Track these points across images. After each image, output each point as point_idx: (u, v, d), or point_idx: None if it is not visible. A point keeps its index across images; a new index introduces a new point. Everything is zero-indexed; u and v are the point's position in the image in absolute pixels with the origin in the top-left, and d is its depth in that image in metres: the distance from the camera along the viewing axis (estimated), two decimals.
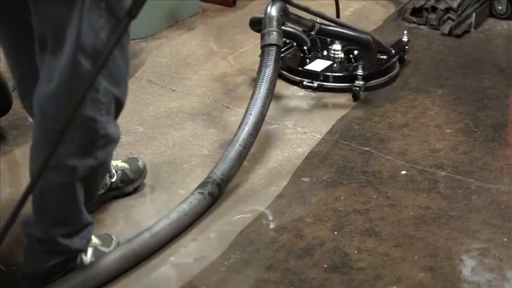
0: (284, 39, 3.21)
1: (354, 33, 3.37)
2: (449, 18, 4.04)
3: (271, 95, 2.82)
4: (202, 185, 2.52)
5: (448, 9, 4.06)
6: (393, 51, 3.54)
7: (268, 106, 2.80)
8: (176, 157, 2.84)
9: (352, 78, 3.33)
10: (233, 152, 2.62)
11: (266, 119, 2.83)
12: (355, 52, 3.49)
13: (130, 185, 2.61)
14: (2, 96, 2.90)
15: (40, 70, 1.98)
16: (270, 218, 2.50)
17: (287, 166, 2.79)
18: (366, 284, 2.19)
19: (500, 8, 4.20)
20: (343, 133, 3.03)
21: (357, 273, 2.23)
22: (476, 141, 2.98)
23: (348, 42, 3.45)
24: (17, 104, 3.12)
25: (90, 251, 2.22)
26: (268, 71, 2.83)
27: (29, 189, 1.77)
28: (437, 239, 2.39)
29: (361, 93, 3.30)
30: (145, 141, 2.96)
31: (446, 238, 2.39)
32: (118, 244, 2.30)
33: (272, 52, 2.88)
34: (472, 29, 4.08)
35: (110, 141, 2.04)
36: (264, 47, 2.91)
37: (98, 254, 2.23)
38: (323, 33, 3.31)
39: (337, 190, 2.65)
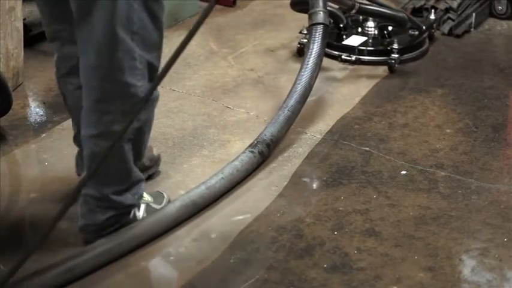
0: None
1: (390, 12, 3.65)
2: (449, 18, 4.04)
3: (319, 68, 3.04)
4: (253, 144, 2.70)
5: (448, 9, 4.06)
6: (424, 27, 3.75)
7: (316, 78, 3.01)
8: (176, 157, 2.84)
9: (387, 52, 3.62)
10: (282, 116, 2.82)
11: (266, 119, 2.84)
12: (389, 28, 3.76)
13: (145, 172, 2.63)
14: (2, 96, 2.90)
15: (78, 41, 2.14)
16: (270, 218, 2.50)
17: (287, 166, 2.79)
18: (366, 284, 2.19)
19: (500, 8, 4.20)
20: (343, 133, 3.02)
21: (357, 273, 2.23)
22: (476, 141, 2.98)
23: (385, 19, 3.72)
24: (16, 104, 3.13)
25: (142, 207, 2.38)
26: (316, 47, 3.05)
27: (101, 161, 1.95)
28: (437, 239, 2.39)
29: (396, 65, 3.56)
30: None
31: (446, 238, 2.39)
32: (169, 201, 2.46)
33: (319, 30, 3.11)
34: (472, 29, 4.08)
35: (150, 103, 2.22)
36: (312, 25, 3.13)
37: (150, 210, 2.39)
38: (362, 11, 3.60)
39: (337, 190, 2.65)
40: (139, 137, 2.26)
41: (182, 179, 2.71)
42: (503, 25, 4.16)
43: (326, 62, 3.65)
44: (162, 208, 2.42)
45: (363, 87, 3.42)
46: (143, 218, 2.37)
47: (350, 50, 3.68)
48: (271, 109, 3.14)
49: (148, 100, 2.17)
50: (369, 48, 3.69)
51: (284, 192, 2.64)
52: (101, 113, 2.16)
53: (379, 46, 3.71)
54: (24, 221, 2.51)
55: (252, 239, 2.39)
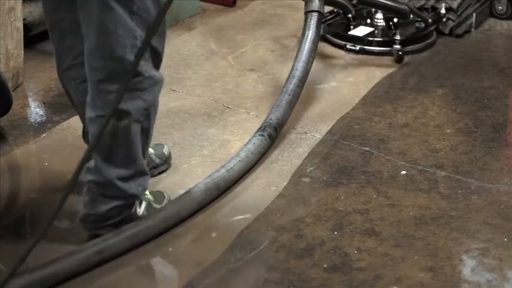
0: (331, 7, 3.81)
1: (392, 3, 3.73)
2: (449, 18, 4.04)
3: (314, 53, 3.14)
4: (262, 129, 2.81)
5: (448, 10, 4.06)
6: (430, 20, 3.86)
7: (312, 63, 3.12)
8: (176, 157, 2.84)
9: (390, 43, 3.70)
10: (284, 100, 2.93)
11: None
12: (395, 20, 3.81)
13: (154, 169, 2.65)
14: (2, 96, 2.90)
15: (82, 27, 2.19)
16: (270, 218, 2.50)
17: (287, 166, 2.79)
18: (366, 284, 2.19)
19: (500, 8, 4.20)
20: (343, 133, 3.02)
21: (357, 273, 2.23)
22: (476, 141, 2.98)
23: (386, 10, 3.80)
24: (16, 104, 3.13)
25: (144, 204, 2.38)
26: (311, 33, 3.16)
27: (97, 140, 2.02)
28: (437, 239, 2.39)
29: (400, 54, 3.62)
30: None
31: (446, 238, 2.39)
32: (169, 201, 2.47)
33: (314, 17, 3.22)
34: (473, 29, 4.08)
35: (155, 83, 2.24)
36: (307, 12, 3.23)
37: (151, 210, 2.39)
38: (363, 1, 3.66)
39: (337, 190, 2.65)
40: (145, 120, 2.25)
41: (182, 178, 2.71)
42: (503, 25, 4.16)
43: (328, 59, 3.70)
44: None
45: (363, 87, 3.42)
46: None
47: (355, 40, 3.75)
48: (270, 109, 3.14)
49: (141, 74, 2.18)
50: (373, 38, 3.76)
51: (284, 192, 2.64)
52: (107, 92, 2.17)
53: (384, 37, 3.78)
54: (24, 221, 2.51)
55: (252, 239, 2.39)
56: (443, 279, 2.21)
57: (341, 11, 3.88)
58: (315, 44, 3.16)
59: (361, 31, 3.83)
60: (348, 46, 3.75)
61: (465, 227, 2.45)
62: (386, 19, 3.84)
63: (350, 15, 3.85)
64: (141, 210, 2.38)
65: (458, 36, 3.98)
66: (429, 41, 3.85)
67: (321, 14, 3.25)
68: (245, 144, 2.74)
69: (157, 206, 2.43)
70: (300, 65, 3.06)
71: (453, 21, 4.03)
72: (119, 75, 2.14)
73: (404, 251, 2.33)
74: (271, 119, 2.86)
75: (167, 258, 2.32)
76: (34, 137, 2.97)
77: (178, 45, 3.84)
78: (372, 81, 3.48)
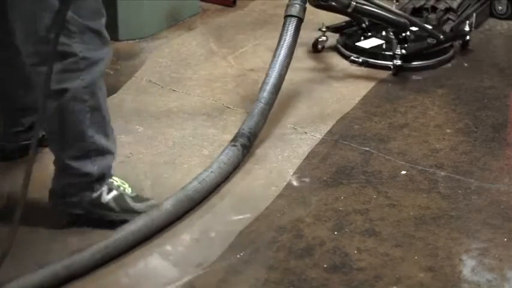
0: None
1: (388, 15, 3.55)
2: (449, 18, 4.04)
3: (289, 59, 3.09)
4: (234, 139, 2.78)
5: (448, 10, 4.06)
6: (441, 36, 3.66)
7: (287, 68, 3.07)
8: (176, 157, 2.84)
9: (392, 57, 3.56)
10: (256, 109, 2.90)
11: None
12: (404, 34, 3.65)
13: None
14: None
15: (12, 22, 2.24)
16: (270, 218, 2.50)
17: (287, 166, 2.79)
18: (366, 284, 2.19)
19: (500, 8, 4.20)
20: (343, 133, 3.02)
21: (357, 273, 2.23)
22: (476, 141, 2.98)
23: (383, 22, 3.64)
24: None
25: (113, 193, 2.39)
26: (288, 38, 3.11)
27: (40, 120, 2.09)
28: (437, 239, 2.39)
29: (396, 69, 3.52)
30: (145, 141, 2.96)
31: (446, 238, 2.40)
32: (152, 206, 2.42)
33: (293, 22, 3.14)
34: (473, 29, 4.08)
35: (93, 63, 2.26)
36: (286, 17, 3.17)
37: (121, 202, 2.39)
38: (358, 11, 3.50)
39: (337, 190, 2.65)
40: (90, 99, 2.28)
41: (182, 178, 2.70)
42: (503, 25, 4.16)
43: (328, 61, 3.70)
44: (138, 208, 2.41)
45: (363, 87, 3.42)
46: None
47: (360, 51, 3.68)
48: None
49: (76, 54, 2.22)
50: (377, 52, 3.67)
51: (284, 192, 2.64)
52: (44, 75, 2.18)
53: (388, 51, 3.65)
54: (24, 221, 2.51)
55: (252, 239, 2.39)
56: (443, 279, 2.21)
57: (354, 22, 3.81)
58: (290, 49, 3.09)
59: (368, 43, 3.74)
60: (352, 57, 3.67)
61: (465, 227, 2.45)
62: (396, 32, 3.71)
63: (363, 25, 3.77)
64: (107, 197, 2.38)
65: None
66: (441, 58, 3.68)
67: (300, 19, 3.15)
68: (218, 155, 2.70)
69: (131, 203, 2.41)
70: (274, 72, 3.02)
71: (453, 21, 4.03)
72: (53, 58, 2.18)
73: (404, 251, 2.33)
74: (243, 129, 2.82)
75: (167, 258, 2.32)
76: None
77: (178, 45, 3.84)
78: (372, 81, 3.48)
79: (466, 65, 3.68)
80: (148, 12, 3.91)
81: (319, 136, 3.00)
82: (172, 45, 3.83)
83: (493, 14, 4.23)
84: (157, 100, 3.29)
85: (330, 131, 3.04)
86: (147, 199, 2.48)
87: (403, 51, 3.55)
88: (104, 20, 2.30)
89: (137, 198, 2.44)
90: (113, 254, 2.24)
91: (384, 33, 3.76)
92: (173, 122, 3.11)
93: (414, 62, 3.61)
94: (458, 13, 4.05)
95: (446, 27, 4.00)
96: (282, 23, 3.18)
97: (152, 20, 3.94)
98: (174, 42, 3.88)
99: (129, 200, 2.41)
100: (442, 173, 2.76)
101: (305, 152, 2.89)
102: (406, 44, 3.64)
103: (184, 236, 2.40)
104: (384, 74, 3.54)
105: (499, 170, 2.78)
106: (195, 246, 2.37)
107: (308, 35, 3.73)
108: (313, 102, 3.29)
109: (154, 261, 2.30)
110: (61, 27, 2.11)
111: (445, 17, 4.06)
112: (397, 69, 3.53)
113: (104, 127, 2.36)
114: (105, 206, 2.38)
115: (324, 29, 3.75)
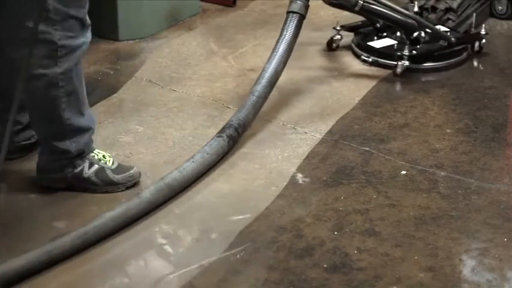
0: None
1: (396, 15, 3.54)
2: (449, 18, 4.04)
3: (288, 55, 3.11)
4: (221, 130, 2.82)
5: (448, 10, 4.05)
6: (453, 39, 3.64)
7: (285, 64, 3.10)
8: (176, 157, 2.84)
9: (399, 57, 3.53)
10: (248, 102, 2.94)
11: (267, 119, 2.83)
12: (415, 34, 3.61)
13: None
14: None
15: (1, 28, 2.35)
16: (270, 218, 2.50)
17: (287, 166, 2.79)
18: (366, 284, 2.19)
19: (500, 8, 4.20)
20: (343, 133, 3.02)
21: (357, 273, 2.23)
22: (476, 141, 2.98)
23: (390, 23, 3.63)
24: None
25: (94, 168, 2.54)
26: (288, 34, 3.13)
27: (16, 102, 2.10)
28: (437, 239, 2.39)
29: (399, 71, 3.47)
30: (145, 141, 2.96)
31: (446, 238, 2.40)
32: (130, 176, 2.59)
33: (294, 18, 3.17)
34: (473, 29, 4.08)
35: (71, 51, 2.37)
36: (288, 13, 3.19)
37: (102, 175, 2.55)
38: (365, 11, 3.49)
39: (337, 190, 2.65)
40: (70, 85, 2.40)
41: None
42: (503, 25, 4.15)
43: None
44: (117, 179, 2.56)
45: (363, 87, 3.42)
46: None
47: (370, 51, 3.66)
48: (270, 109, 3.14)
49: (55, 43, 2.32)
50: (388, 52, 3.63)
51: (284, 192, 2.64)
52: (25, 59, 2.25)
53: (398, 52, 3.60)
54: (24, 221, 2.51)
55: (252, 239, 2.39)
56: (443, 279, 2.21)
57: (368, 21, 3.79)
58: (290, 46, 3.11)
59: (380, 43, 3.71)
60: (362, 57, 3.66)
61: (465, 227, 2.45)
62: (407, 33, 3.67)
63: (378, 26, 3.74)
64: (88, 172, 2.53)
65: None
66: (452, 60, 3.64)
67: (301, 16, 3.16)
68: (202, 146, 2.75)
69: (112, 175, 2.56)
70: (271, 67, 3.04)
71: (453, 21, 4.02)
72: (36, 43, 2.25)
73: (404, 251, 2.33)
74: (232, 120, 2.87)
75: (167, 258, 2.32)
76: None
77: (178, 45, 3.84)
78: (372, 81, 3.48)
79: (466, 65, 3.68)
80: (148, 12, 3.90)
81: (319, 136, 3.00)
82: (172, 45, 3.83)
83: (493, 14, 4.23)
84: (157, 100, 3.29)
85: (330, 131, 3.04)
86: (129, 168, 2.62)
87: (413, 52, 3.54)
88: (87, 8, 2.39)
89: (118, 169, 2.59)
90: (92, 240, 2.30)
91: (398, 33, 3.73)
92: (173, 122, 3.11)
93: (426, 63, 3.59)
94: (458, 13, 4.05)
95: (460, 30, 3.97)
96: (282, 23, 3.18)
97: (152, 20, 3.94)
98: (174, 42, 3.88)
99: (109, 172, 2.56)
100: (442, 173, 2.76)
101: (305, 152, 2.89)
102: (418, 45, 3.62)
103: (185, 235, 2.40)
104: (385, 74, 3.54)
105: (499, 170, 2.78)
106: (195, 246, 2.37)
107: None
108: (313, 102, 3.28)
109: (154, 260, 2.30)
110: (41, 15, 2.19)
111: (445, 17, 4.06)
112: (403, 70, 3.49)
113: (80, 107, 2.47)
114: (87, 180, 2.54)
115: (338, 28, 3.76)
